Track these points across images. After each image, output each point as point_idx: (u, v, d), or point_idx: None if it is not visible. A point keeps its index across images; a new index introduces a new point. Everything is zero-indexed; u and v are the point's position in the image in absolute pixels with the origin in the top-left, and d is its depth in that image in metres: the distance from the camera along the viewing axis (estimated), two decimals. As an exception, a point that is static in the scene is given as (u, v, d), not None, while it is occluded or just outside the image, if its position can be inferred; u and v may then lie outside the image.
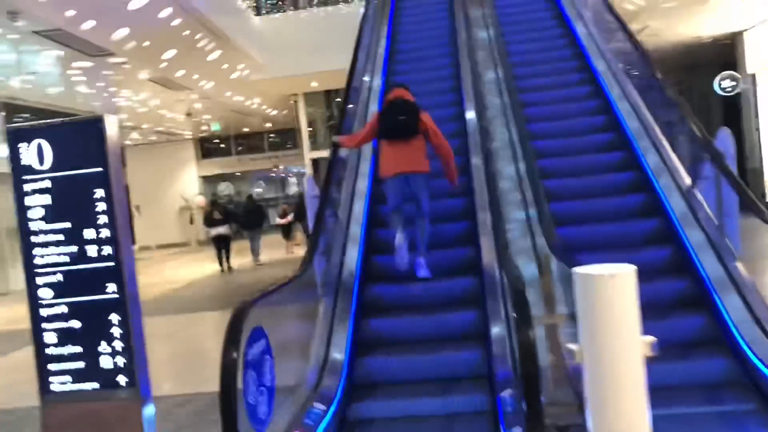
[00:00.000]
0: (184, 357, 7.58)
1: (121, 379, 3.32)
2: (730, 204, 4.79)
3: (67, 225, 3.37)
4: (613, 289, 1.30)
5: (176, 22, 10.67)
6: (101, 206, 3.35)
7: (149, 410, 3.34)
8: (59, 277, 3.38)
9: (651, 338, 1.33)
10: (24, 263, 3.38)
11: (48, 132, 3.42)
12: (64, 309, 3.38)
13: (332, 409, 4.23)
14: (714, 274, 4.71)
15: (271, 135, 25.67)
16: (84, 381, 3.35)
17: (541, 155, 6.30)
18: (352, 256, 5.78)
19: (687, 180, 5.55)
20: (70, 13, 9.24)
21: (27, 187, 3.40)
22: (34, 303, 3.40)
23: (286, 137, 25.37)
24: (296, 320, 4.68)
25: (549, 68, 8.18)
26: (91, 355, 3.34)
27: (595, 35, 8.52)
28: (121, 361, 3.32)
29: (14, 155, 3.41)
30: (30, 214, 3.39)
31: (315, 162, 17.06)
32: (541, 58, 8.46)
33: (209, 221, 15.23)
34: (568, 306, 3.81)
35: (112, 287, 3.33)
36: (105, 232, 3.34)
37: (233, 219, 15.67)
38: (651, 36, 13.58)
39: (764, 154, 15.12)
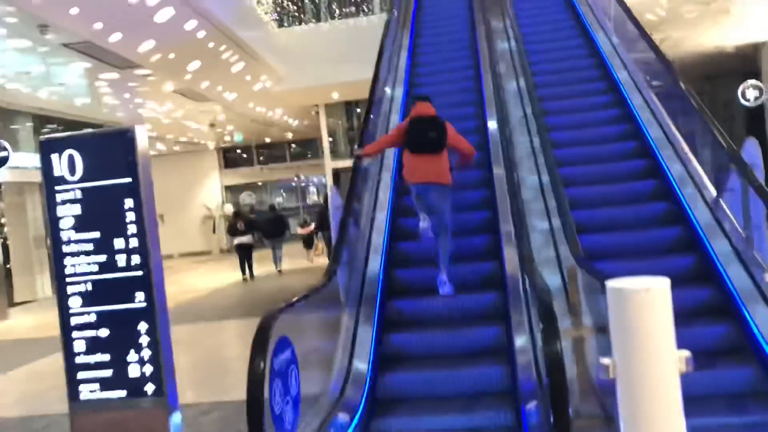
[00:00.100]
0: (207, 365, 7.63)
1: (149, 388, 3.36)
2: (758, 215, 4.74)
3: (97, 235, 3.43)
4: (648, 303, 1.29)
5: (201, 34, 10.82)
6: (130, 216, 3.40)
7: (176, 418, 3.37)
8: (89, 286, 3.44)
9: (686, 353, 1.32)
10: (54, 272, 3.44)
11: (79, 142, 3.49)
12: (93, 317, 3.43)
13: (356, 419, 4.23)
14: (740, 284, 4.67)
15: (293, 145, 25.85)
16: (112, 389, 3.40)
17: (561, 164, 6.30)
18: (374, 267, 5.80)
19: (712, 190, 5.50)
20: (98, 25, 9.41)
21: (58, 197, 3.47)
22: (64, 311, 3.46)
23: (307, 147, 25.54)
24: (319, 330, 4.70)
25: (571, 77, 8.19)
26: (119, 364, 3.39)
27: (617, 44, 8.52)
28: (148, 369, 3.36)
29: (46, 166, 3.48)
30: (61, 223, 3.46)
31: (336, 172, 17.16)
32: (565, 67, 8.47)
33: (233, 230, 15.64)
34: (591, 316, 3.78)
35: (140, 296, 3.38)
36: (134, 242, 3.40)
37: (256, 228, 15.93)
38: (672, 47, 13.46)
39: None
